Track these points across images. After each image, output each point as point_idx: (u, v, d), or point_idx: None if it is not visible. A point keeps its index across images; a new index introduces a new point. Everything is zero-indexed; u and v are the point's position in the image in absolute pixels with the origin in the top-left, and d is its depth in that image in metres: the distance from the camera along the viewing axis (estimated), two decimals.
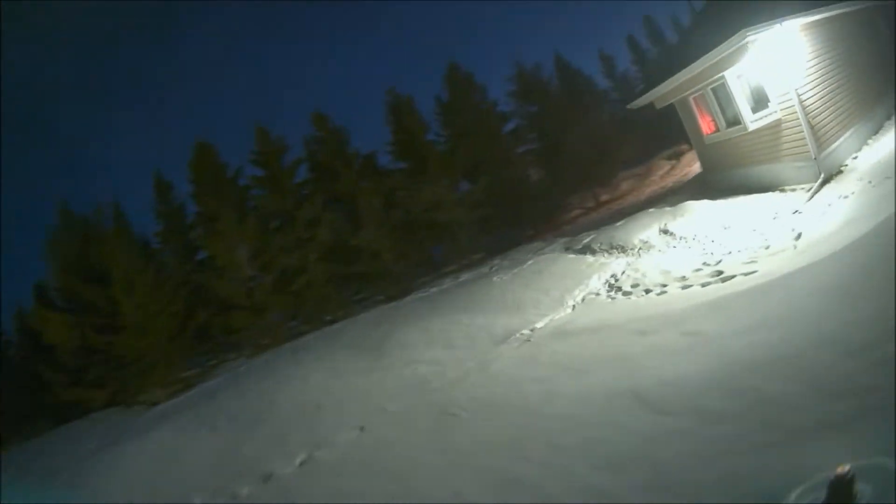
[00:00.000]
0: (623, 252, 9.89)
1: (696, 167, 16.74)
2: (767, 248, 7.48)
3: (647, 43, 32.55)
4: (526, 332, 7.51)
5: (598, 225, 13.58)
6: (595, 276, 9.09)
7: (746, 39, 8.74)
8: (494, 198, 18.10)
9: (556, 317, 7.91)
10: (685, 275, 7.54)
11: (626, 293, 7.90)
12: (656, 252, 9.36)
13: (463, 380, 6.37)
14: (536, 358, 6.25)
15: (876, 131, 10.53)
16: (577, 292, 8.65)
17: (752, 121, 10.47)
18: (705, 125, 12.30)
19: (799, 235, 7.36)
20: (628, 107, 15.03)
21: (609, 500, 3.20)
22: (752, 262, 7.07)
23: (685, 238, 9.43)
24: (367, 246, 15.87)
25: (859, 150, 9.92)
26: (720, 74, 10.50)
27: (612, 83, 32.17)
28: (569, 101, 23.59)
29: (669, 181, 19.34)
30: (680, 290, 7.10)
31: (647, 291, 7.57)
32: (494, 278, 11.19)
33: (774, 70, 9.32)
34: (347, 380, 7.58)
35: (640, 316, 6.44)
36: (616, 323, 6.49)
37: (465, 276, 14.37)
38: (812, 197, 8.89)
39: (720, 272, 7.08)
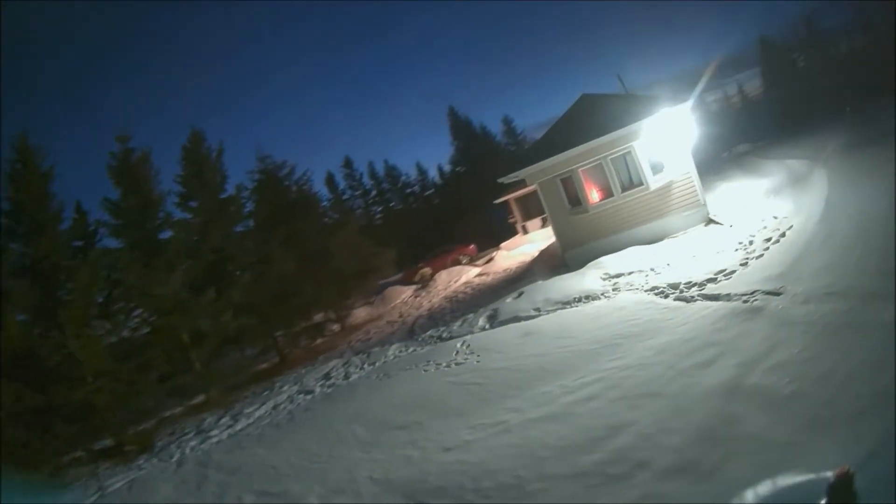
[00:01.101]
0: None
1: (500, 264, 19.15)
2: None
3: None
4: None
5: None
6: None
7: (657, 115, 12.23)
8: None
9: None
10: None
11: None
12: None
13: None
14: None
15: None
16: None
17: (654, 181, 12.83)
18: (592, 195, 13.63)
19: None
20: (500, 180, 15.45)
21: None
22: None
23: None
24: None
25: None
26: (627, 145, 12.80)
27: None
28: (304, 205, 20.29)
29: (472, 280, 19.68)
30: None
31: None
32: None
33: (674, 140, 12.67)
34: None
35: None
36: None
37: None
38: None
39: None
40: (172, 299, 12.98)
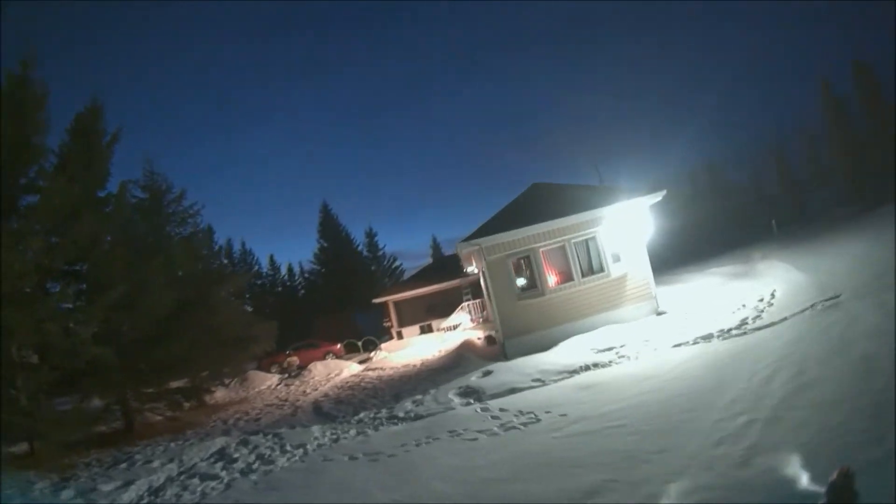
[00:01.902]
0: None
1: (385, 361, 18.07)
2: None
3: None
4: None
5: None
6: None
7: (621, 203, 12.84)
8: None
9: None
10: None
11: None
12: None
13: None
14: None
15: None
16: None
17: (615, 269, 12.91)
18: (551, 278, 13.04)
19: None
20: (458, 244, 13.81)
21: None
22: None
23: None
24: None
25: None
26: (592, 230, 12.92)
27: None
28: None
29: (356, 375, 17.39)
30: None
31: None
32: None
33: (634, 232, 13.13)
34: None
35: None
36: None
37: None
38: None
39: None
40: (13, 281, 8.30)
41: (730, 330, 9.09)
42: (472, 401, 9.00)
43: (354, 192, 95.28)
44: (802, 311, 8.54)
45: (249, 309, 23.16)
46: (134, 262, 11.26)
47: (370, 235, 45.42)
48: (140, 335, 11.48)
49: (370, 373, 16.39)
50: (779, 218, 33.63)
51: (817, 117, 36.58)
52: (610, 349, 10.06)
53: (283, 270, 43.16)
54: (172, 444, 9.61)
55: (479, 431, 6.95)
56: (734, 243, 28.82)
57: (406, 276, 42.13)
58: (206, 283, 14.11)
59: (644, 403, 6.35)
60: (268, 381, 18.35)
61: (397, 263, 45.44)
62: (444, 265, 27.04)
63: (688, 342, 9.11)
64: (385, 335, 26.08)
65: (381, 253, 45.29)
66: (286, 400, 13.75)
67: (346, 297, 33.79)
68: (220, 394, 16.13)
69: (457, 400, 9.34)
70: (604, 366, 9.19)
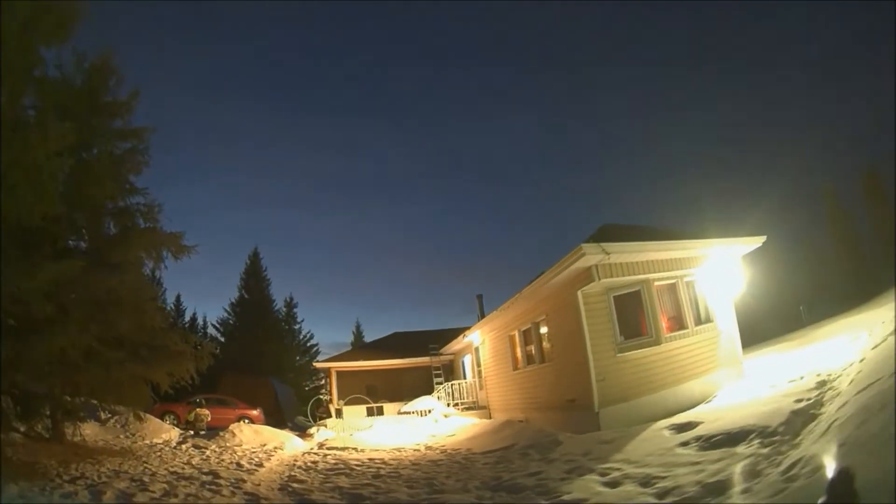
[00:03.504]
0: None
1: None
2: None
3: None
4: None
5: None
6: None
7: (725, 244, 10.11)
8: None
9: None
10: None
11: None
12: None
13: None
14: None
15: None
16: None
17: (721, 321, 10.17)
18: (663, 323, 9.59)
19: None
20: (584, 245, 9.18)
21: None
22: None
23: None
24: None
25: None
26: (692, 270, 10.08)
27: None
28: None
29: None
30: None
31: None
32: None
33: (727, 283, 10.60)
34: None
35: None
36: None
37: None
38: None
39: None
40: None
41: None
42: None
43: (278, 255, 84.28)
44: None
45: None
46: None
47: (289, 305, 38.51)
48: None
49: (346, 455, 10.35)
50: None
51: None
52: None
53: (188, 315, 34.51)
54: None
55: None
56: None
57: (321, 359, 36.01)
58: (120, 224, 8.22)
59: None
60: (164, 434, 11.63)
61: (314, 342, 38.37)
62: (405, 342, 21.90)
63: None
64: (316, 411, 19.37)
65: (298, 326, 38.19)
66: (214, 475, 7.45)
67: (260, 362, 26.31)
68: (90, 430, 9.54)
69: None
70: None
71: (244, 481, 7.05)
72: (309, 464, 8.87)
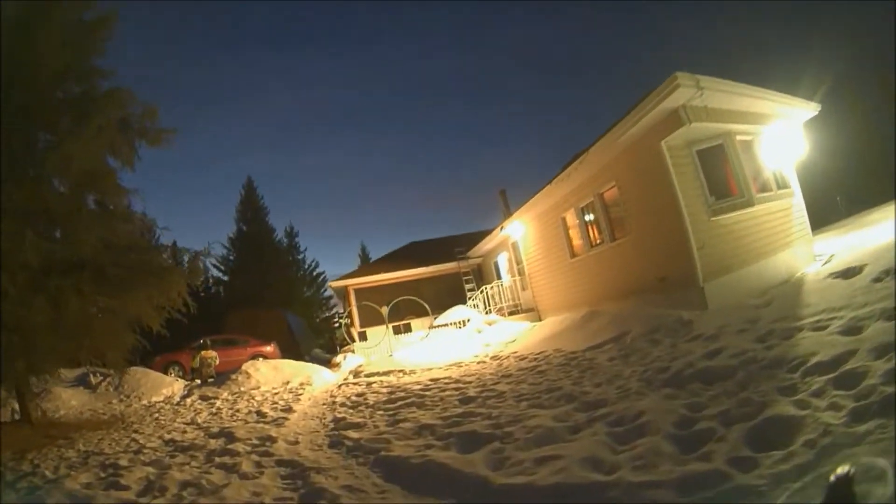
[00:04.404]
0: None
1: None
2: None
3: None
4: None
5: None
6: None
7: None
8: None
9: None
10: None
11: None
12: None
13: None
14: None
15: None
16: None
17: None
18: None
19: None
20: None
21: None
22: None
23: None
24: None
25: None
26: (761, 127, 8.11)
27: None
28: None
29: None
30: None
31: None
32: None
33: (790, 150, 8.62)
34: None
35: None
36: None
37: None
38: None
39: None
40: None
41: None
42: None
43: (276, 183, 79.66)
44: None
45: None
46: None
47: (290, 235, 36.03)
48: None
49: (395, 380, 8.33)
50: None
51: None
52: None
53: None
54: None
55: None
56: None
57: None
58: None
59: None
60: (166, 389, 9.78)
61: (320, 270, 36.37)
62: (425, 251, 19.58)
63: None
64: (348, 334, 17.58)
65: (301, 256, 36.01)
66: (227, 437, 5.32)
67: (267, 294, 24.34)
68: (77, 399, 8.33)
69: None
70: None
71: (272, 439, 4.93)
72: (354, 398, 6.83)
